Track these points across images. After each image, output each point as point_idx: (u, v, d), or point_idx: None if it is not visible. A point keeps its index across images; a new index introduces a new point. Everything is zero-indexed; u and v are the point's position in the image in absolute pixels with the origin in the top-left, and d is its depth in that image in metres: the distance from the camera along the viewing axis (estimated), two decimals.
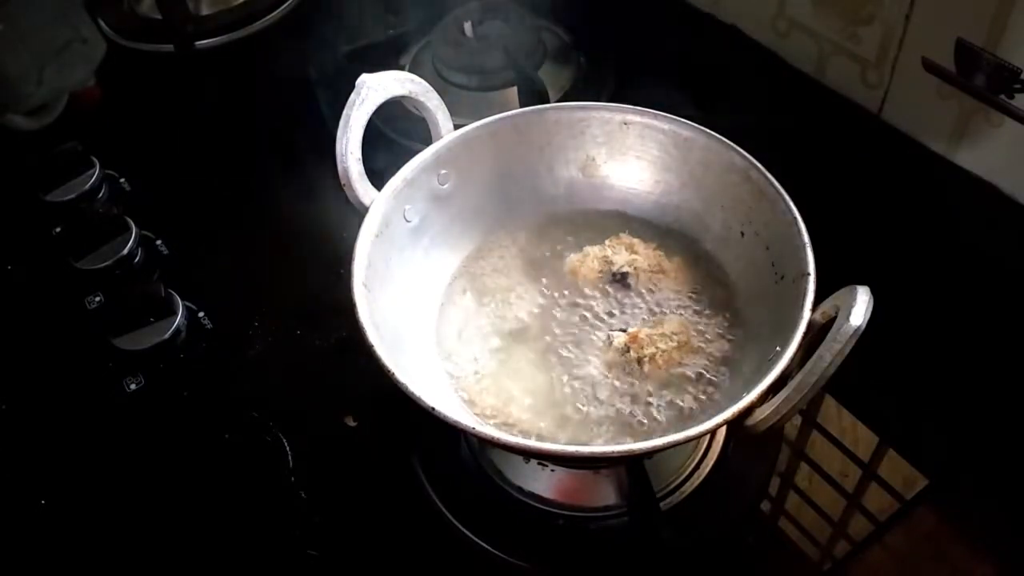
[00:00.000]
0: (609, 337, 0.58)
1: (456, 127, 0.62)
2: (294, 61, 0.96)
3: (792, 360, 0.47)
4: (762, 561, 0.61)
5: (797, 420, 0.66)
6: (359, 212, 0.57)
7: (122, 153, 0.87)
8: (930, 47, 0.68)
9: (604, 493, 0.60)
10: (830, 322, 0.45)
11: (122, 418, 0.67)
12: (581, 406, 0.55)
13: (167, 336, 0.69)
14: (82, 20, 0.88)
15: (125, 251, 0.76)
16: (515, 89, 0.86)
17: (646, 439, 0.52)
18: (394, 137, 0.83)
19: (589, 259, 0.62)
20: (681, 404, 0.54)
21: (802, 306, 0.49)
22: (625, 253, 0.62)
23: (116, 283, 0.75)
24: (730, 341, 0.57)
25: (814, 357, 0.44)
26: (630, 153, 0.64)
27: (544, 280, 0.62)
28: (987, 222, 0.70)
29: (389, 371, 0.48)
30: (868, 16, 0.72)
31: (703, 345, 0.57)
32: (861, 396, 0.65)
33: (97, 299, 0.74)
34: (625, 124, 0.63)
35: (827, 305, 0.47)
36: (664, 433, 0.52)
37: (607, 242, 0.63)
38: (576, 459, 0.55)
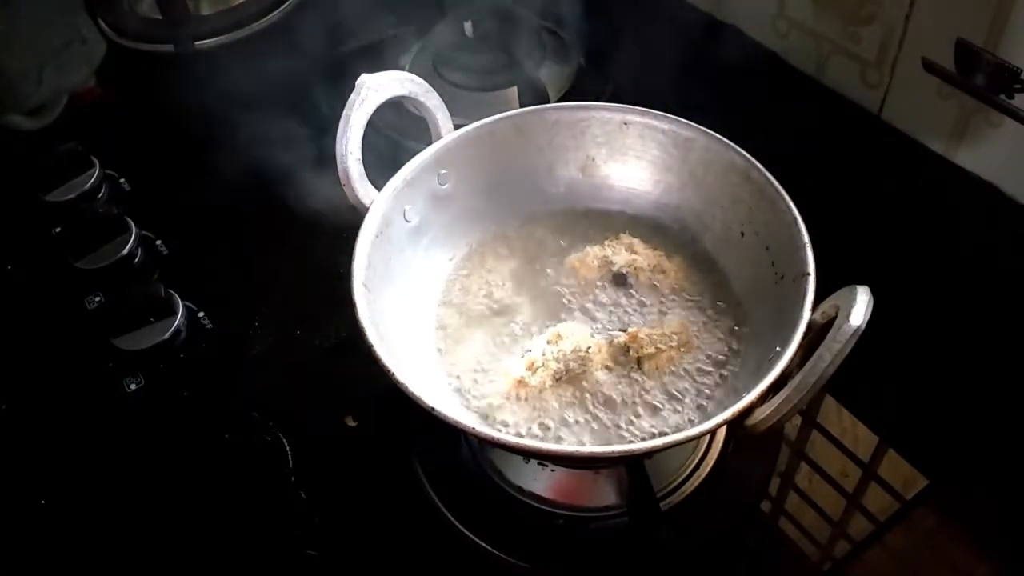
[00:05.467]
0: (609, 337, 0.58)
1: (456, 127, 0.62)
2: (294, 61, 0.96)
3: (792, 360, 0.47)
4: (762, 561, 0.61)
5: (797, 420, 0.66)
6: (359, 212, 0.57)
7: (122, 153, 0.87)
8: (930, 47, 0.68)
9: (604, 493, 0.60)
10: (830, 322, 0.45)
11: (122, 418, 0.67)
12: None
13: (167, 336, 0.69)
14: (82, 20, 0.88)
15: (125, 251, 0.76)
16: (515, 89, 0.86)
17: (646, 439, 0.52)
18: (394, 137, 0.83)
19: (589, 259, 0.62)
20: (681, 404, 0.54)
21: (802, 306, 0.49)
22: (625, 253, 0.62)
23: (116, 283, 0.75)
24: (730, 341, 0.57)
25: (814, 357, 0.44)
26: (630, 153, 0.64)
27: (544, 280, 0.62)
28: (987, 222, 0.70)
29: (389, 371, 0.48)
30: (868, 16, 0.72)
31: (703, 345, 0.57)
32: (861, 396, 0.65)
33: (97, 299, 0.74)
34: (625, 124, 0.63)
35: (827, 305, 0.47)
36: (664, 433, 0.53)
37: (607, 242, 0.63)
38: (576, 459, 0.55)
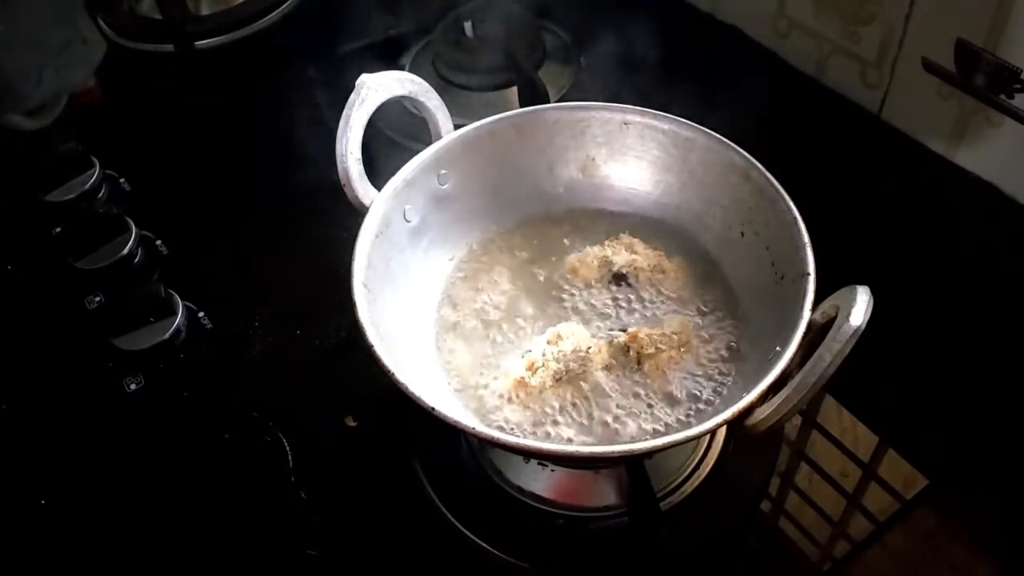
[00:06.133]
0: (609, 337, 0.58)
1: (456, 127, 0.62)
2: (294, 61, 0.96)
3: (792, 360, 0.47)
4: (762, 561, 0.61)
5: (797, 420, 0.66)
6: (359, 212, 0.57)
7: (122, 153, 0.87)
8: (930, 47, 0.68)
9: (604, 493, 0.60)
10: (830, 322, 0.45)
11: (122, 418, 0.67)
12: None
13: (167, 336, 0.69)
14: (82, 20, 0.87)
15: (125, 251, 0.76)
16: (515, 89, 0.86)
17: (646, 439, 0.52)
18: (394, 137, 0.83)
19: (589, 259, 0.62)
20: (681, 404, 0.54)
21: (802, 306, 0.49)
22: (625, 253, 0.62)
23: (116, 283, 0.75)
24: (730, 341, 0.57)
25: (814, 357, 0.44)
26: (630, 153, 0.64)
27: (544, 280, 0.62)
28: (987, 222, 0.70)
29: (389, 371, 0.48)
30: (868, 16, 0.72)
31: (703, 345, 0.57)
32: (861, 396, 0.65)
33: (97, 299, 0.74)
34: (625, 124, 0.63)
35: (827, 305, 0.47)
36: (664, 433, 0.53)
37: (607, 242, 0.63)
38: (576, 459, 0.55)
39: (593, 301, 0.61)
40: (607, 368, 0.56)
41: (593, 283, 0.62)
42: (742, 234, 0.59)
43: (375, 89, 0.56)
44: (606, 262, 0.61)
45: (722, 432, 0.63)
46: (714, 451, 0.62)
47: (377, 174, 0.58)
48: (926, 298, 0.68)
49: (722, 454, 0.62)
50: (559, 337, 0.56)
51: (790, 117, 0.79)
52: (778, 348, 0.48)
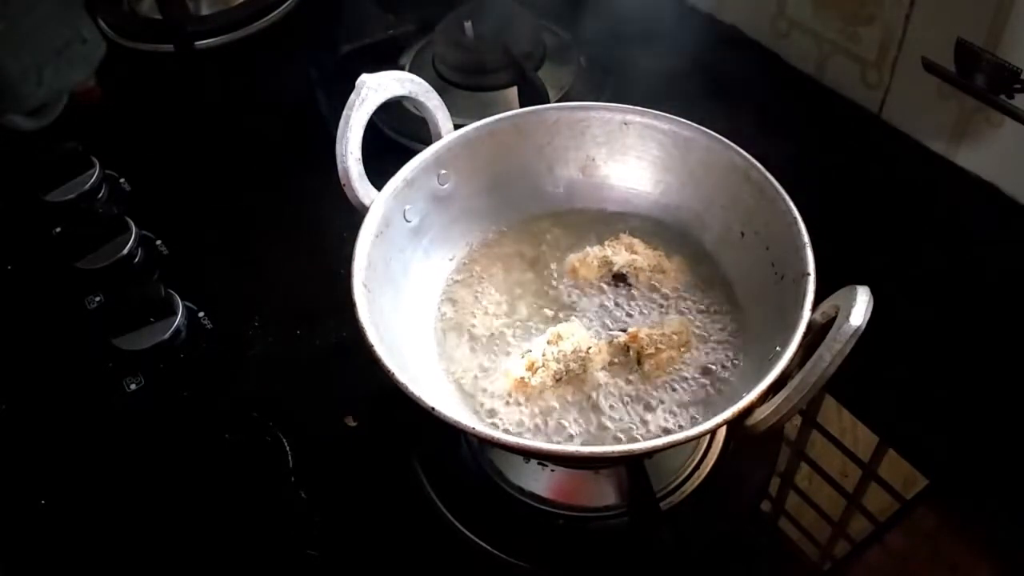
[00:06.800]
0: (609, 337, 0.58)
1: (456, 127, 0.62)
2: (294, 61, 0.96)
3: (792, 360, 0.47)
4: (762, 561, 0.61)
5: (797, 420, 0.66)
6: (359, 212, 0.57)
7: (122, 153, 0.87)
8: (930, 47, 0.68)
9: (604, 493, 0.60)
10: (830, 322, 0.45)
11: (122, 418, 0.67)
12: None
13: (167, 336, 0.69)
14: (82, 20, 0.88)
15: (125, 251, 0.76)
16: (515, 89, 0.86)
17: (646, 439, 0.52)
18: (394, 137, 0.83)
19: (589, 259, 0.62)
20: (681, 404, 0.54)
21: (802, 306, 0.49)
22: (625, 253, 0.62)
23: (116, 283, 0.75)
24: (730, 341, 0.57)
25: (814, 357, 0.44)
26: (630, 153, 0.64)
27: (544, 280, 0.62)
28: (987, 222, 0.70)
29: (389, 371, 0.48)
30: (868, 16, 0.72)
31: (703, 345, 0.57)
32: (861, 396, 0.65)
33: (97, 299, 0.74)
34: (625, 124, 0.63)
35: (827, 305, 0.47)
36: (664, 433, 0.53)
37: (607, 242, 0.63)
38: (576, 459, 0.55)
39: (593, 301, 0.61)
40: (607, 368, 0.56)
41: (593, 283, 0.62)
42: (742, 234, 0.59)
43: (375, 89, 0.56)
44: (606, 262, 0.62)
45: (722, 432, 0.63)
46: (714, 451, 0.62)
47: (377, 174, 0.58)
48: (926, 298, 0.68)
49: (722, 454, 0.62)
50: (559, 337, 0.56)
51: (790, 117, 0.79)
52: (778, 348, 0.48)
